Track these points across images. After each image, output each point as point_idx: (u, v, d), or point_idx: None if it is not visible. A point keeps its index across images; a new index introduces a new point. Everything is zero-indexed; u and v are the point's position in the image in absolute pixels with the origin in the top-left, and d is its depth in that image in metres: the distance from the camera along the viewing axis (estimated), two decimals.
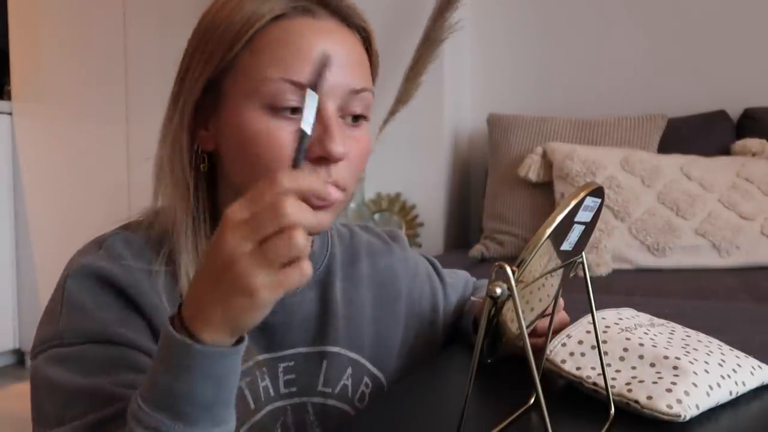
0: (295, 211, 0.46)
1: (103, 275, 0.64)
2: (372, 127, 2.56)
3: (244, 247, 0.46)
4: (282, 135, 0.62)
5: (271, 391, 0.72)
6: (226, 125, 0.66)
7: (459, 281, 0.96)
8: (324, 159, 0.63)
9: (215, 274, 0.47)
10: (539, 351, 0.66)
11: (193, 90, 0.67)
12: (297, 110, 0.63)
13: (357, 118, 0.67)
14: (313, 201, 0.62)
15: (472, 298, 0.91)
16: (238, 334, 0.50)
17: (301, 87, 0.62)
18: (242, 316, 0.48)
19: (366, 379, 0.78)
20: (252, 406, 0.70)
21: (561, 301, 0.80)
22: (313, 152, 0.63)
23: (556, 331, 0.72)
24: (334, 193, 0.64)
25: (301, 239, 0.46)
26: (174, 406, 0.49)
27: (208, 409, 0.50)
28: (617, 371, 0.65)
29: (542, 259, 0.51)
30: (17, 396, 2.48)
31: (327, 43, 0.64)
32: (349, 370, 0.76)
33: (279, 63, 0.63)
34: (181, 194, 0.67)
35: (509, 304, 0.51)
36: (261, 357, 0.72)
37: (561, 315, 0.79)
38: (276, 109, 0.62)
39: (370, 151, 0.70)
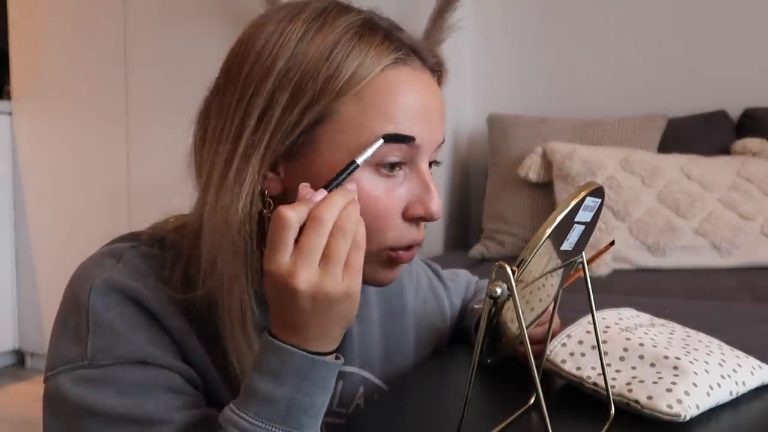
0: (327, 211, 0.53)
1: (129, 293, 0.60)
2: None
3: (313, 271, 0.52)
4: (382, 194, 0.60)
5: None
6: (312, 175, 0.59)
7: (461, 283, 0.95)
8: (422, 218, 0.63)
9: (308, 311, 0.53)
10: (539, 352, 0.66)
11: (282, 138, 0.59)
12: (395, 166, 0.61)
13: (431, 164, 0.66)
14: (404, 257, 0.64)
15: (476, 307, 0.90)
16: (341, 335, 0.56)
17: (408, 146, 0.60)
18: (350, 316, 0.55)
19: (377, 397, 0.77)
20: None
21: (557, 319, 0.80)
22: (415, 212, 0.62)
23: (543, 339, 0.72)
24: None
25: (347, 227, 0.54)
26: (289, 416, 0.53)
27: (316, 418, 0.55)
28: (617, 371, 0.65)
29: (542, 259, 0.51)
30: (17, 396, 2.48)
31: (428, 100, 0.62)
32: (362, 390, 0.75)
33: (387, 118, 0.59)
34: (235, 246, 0.60)
35: (509, 304, 0.51)
36: None
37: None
38: (382, 169, 0.60)
39: None
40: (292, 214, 0.52)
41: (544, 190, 2.16)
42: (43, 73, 2.80)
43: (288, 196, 0.61)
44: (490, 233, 2.24)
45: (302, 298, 0.52)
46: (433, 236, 2.43)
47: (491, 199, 2.29)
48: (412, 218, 0.62)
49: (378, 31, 0.61)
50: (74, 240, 2.72)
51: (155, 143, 2.53)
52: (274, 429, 0.53)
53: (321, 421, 0.56)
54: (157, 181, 2.60)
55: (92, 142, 2.71)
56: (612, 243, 0.78)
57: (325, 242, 0.52)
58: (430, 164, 0.65)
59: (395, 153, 0.60)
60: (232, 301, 0.60)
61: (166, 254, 0.64)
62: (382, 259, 0.63)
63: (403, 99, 0.60)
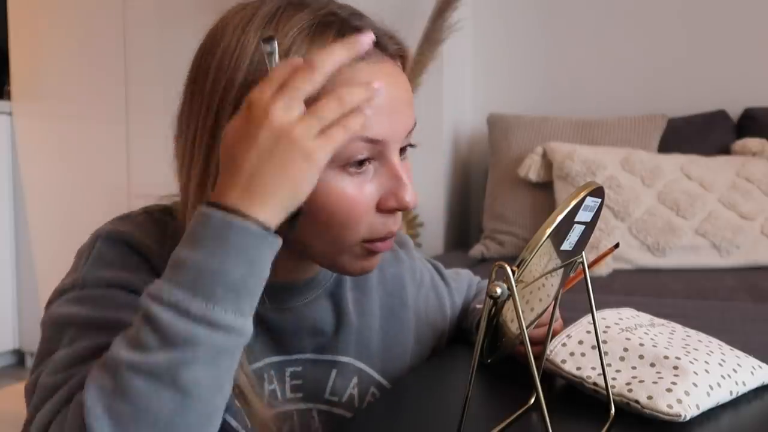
0: (330, 63, 0.50)
1: (136, 243, 0.63)
2: None
3: (291, 112, 0.49)
4: (353, 190, 0.60)
5: (278, 394, 0.71)
6: None
7: (463, 283, 0.95)
8: (397, 209, 0.63)
9: (265, 151, 0.49)
10: (539, 352, 0.66)
11: (213, 118, 0.63)
12: (363, 163, 0.61)
13: (403, 149, 0.66)
14: (381, 247, 0.63)
15: (477, 306, 0.90)
16: (292, 208, 0.51)
17: (374, 143, 0.60)
18: (303, 183, 0.50)
19: (373, 389, 0.77)
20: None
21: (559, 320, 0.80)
22: (388, 204, 0.62)
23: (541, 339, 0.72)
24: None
25: (348, 95, 0.51)
26: (198, 283, 0.48)
27: (234, 291, 0.49)
28: (617, 371, 0.65)
29: (542, 259, 0.51)
30: (17, 396, 2.48)
31: (392, 92, 0.61)
32: (356, 380, 0.76)
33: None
34: None
35: (509, 304, 0.51)
36: (269, 360, 0.71)
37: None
38: (350, 168, 0.60)
39: None
40: (298, 60, 0.52)
41: (544, 190, 2.16)
42: (43, 73, 2.80)
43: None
44: (490, 233, 2.24)
45: (267, 131, 0.49)
46: (433, 236, 2.43)
47: (491, 199, 2.29)
48: (386, 210, 0.62)
49: (329, 30, 0.60)
50: (74, 240, 2.72)
51: (155, 143, 2.53)
52: (180, 295, 0.48)
53: (251, 306, 0.51)
54: (157, 181, 2.60)
55: (92, 143, 2.71)
56: (617, 245, 0.78)
57: (313, 87, 0.50)
58: (405, 149, 0.66)
59: (361, 151, 0.60)
60: None
61: (176, 224, 0.65)
62: (359, 251, 0.63)
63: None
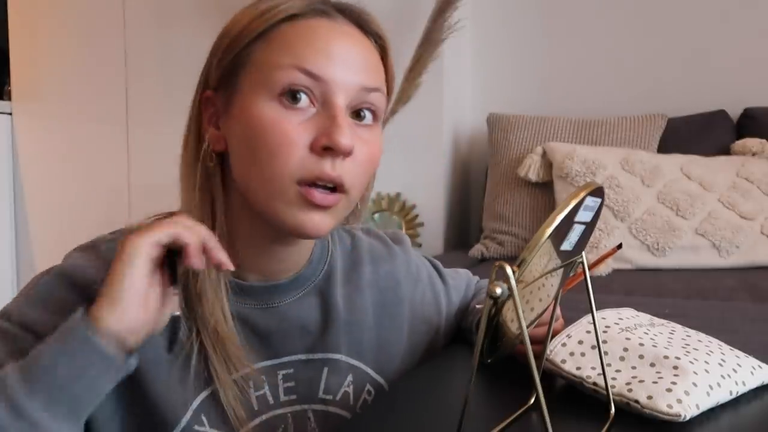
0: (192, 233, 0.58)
1: (82, 284, 0.64)
2: None
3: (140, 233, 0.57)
4: (288, 124, 0.62)
5: (270, 398, 0.71)
6: (235, 119, 0.66)
7: (461, 282, 0.95)
8: (330, 150, 0.62)
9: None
10: (539, 351, 0.66)
11: (206, 86, 0.69)
12: (306, 93, 0.63)
13: (366, 117, 0.67)
14: (316, 196, 0.63)
15: (477, 306, 0.90)
16: (120, 308, 0.55)
17: (312, 77, 0.62)
18: (121, 276, 0.55)
19: (368, 386, 0.77)
20: (251, 414, 0.69)
21: (560, 317, 0.80)
22: (320, 142, 0.62)
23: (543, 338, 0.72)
24: (339, 182, 0.64)
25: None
26: (29, 366, 0.53)
27: (54, 388, 0.52)
28: (617, 371, 0.65)
29: (542, 259, 0.51)
30: None
31: (341, 42, 0.65)
32: (350, 377, 0.76)
33: (292, 52, 0.63)
34: (192, 196, 0.68)
35: (509, 304, 0.50)
36: (259, 365, 0.71)
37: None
38: (284, 95, 0.63)
39: (379, 157, 0.69)
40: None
41: (544, 190, 2.16)
42: (43, 73, 2.80)
43: (229, 150, 0.67)
44: (490, 233, 2.24)
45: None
46: (433, 236, 2.43)
47: (491, 199, 2.29)
48: (319, 148, 0.62)
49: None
50: (74, 240, 2.72)
51: (155, 143, 2.53)
52: (14, 375, 0.53)
53: (67, 415, 0.54)
54: (157, 181, 2.60)
55: (92, 142, 2.71)
56: (619, 246, 0.78)
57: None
58: (364, 116, 0.66)
59: (296, 80, 0.62)
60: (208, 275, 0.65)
61: None
62: (294, 196, 0.63)
63: (312, 40, 0.64)
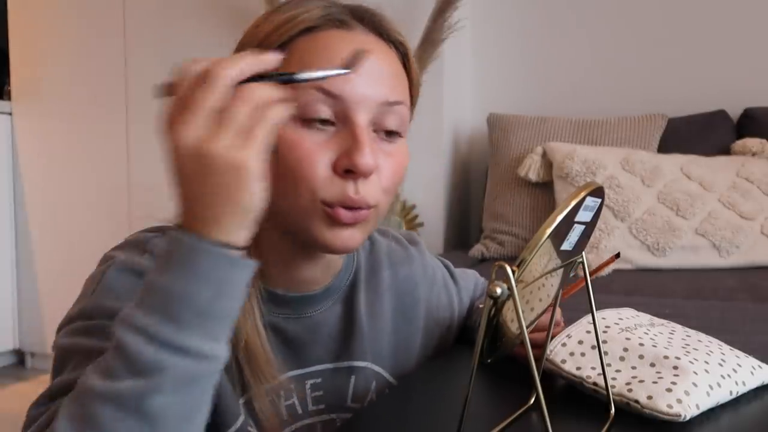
0: (229, 74, 0.47)
1: (142, 269, 0.62)
2: None
3: (196, 130, 0.46)
4: (310, 144, 0.61)
5: (298, 408, 0.71)
6: None
7: (470, 282, 0.95)
8: (351, 172, 0.61)
9: (191, 176, 0.47)
10: (539, 355, 0.66)
11: None
12: (327, 122, 0.61)
13: (391, 134, 0.64)
14: (342, 215, 0.61)
15: (481, 306, 0.91)
16: (249, 217, 0.48)
17: (331, 96, 0.60)
18: (242, 195, 0.47)
19: (387, 391, 0.77)
20: (281, 424, 0.69)
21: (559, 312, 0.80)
22: (341, 164, 0.61)
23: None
24: (363, 205, 0.62)
25: (249, 92, 0.47)
26: (166, 307, 0.46)
27: (202, 316, 0.47)
28: (617, 371, 0.65)
29: (542, 259, 0.51)
30: (17, 396, 2.48)
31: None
32: (374, 384, 0.76)
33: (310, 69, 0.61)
34: None
35: (509, 304, 0.50)
36: (288, 374, 0.70)
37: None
38: (306, 120, 0.61)
39: (405, 166, 0.67)
40: (187, 66, 0.48)
41: (544, 190, 2.16)
42: (43, 73, 2.80)
43: None
44: (490, 233, 2.24)
45: (182, 157, 0.46)
46: (433, 236, 2.43)
47: (491, 199, 2.29)
48: (341, 170, 0.61)
49: (315, 3, 0.64)
50: (74, 240, 2.73)
51: (155, 143, 2.53)
52: (149, 320, 0.46)
53: (223, 330, 0.49)
54: (157, 181, 2.60)
55: (92, 142, 2.71)
56: (617, 255, 0.78)
57: (215, 99, 0.46)
58: (391, 134, 0.64)
59: (320, 107, 0.61)
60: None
61: None
62: (320, 215, 0.62)
63: (330, 56, 0.62)
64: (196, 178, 0.47)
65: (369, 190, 0.62)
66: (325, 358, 0.73)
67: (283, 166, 0.61)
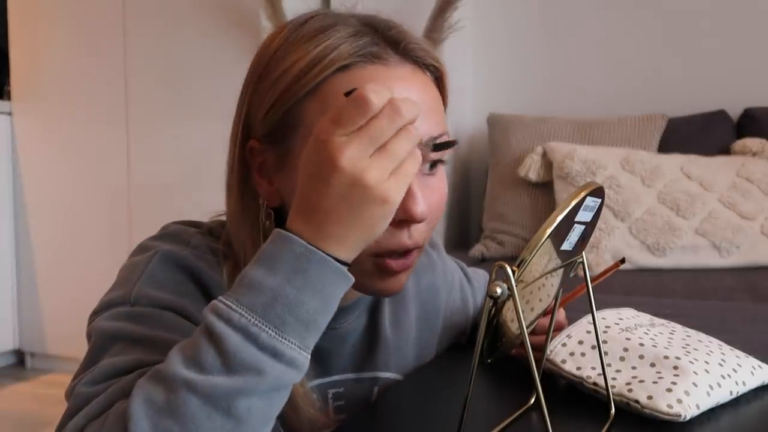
0: (407, 107, 0.48)
1: (192, 268, 0.61)
2: None
3: (363, 157, 0.47)
4: None
5: (321, 416, 0.70)
6: (294, 181, 0.55)
7: (482, 282, 0.95)
8: (406, 221, 0.59)
9: (339, 196, 0.47)
10: (539, 349, 0.66)
11: (249, 131, 0.64)
12: None
13: (434, 165, 0.62)
14: (393, 265, 0.60)
15: None
16: (366, 245, 0.50)
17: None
18: (378, 225, 0.48)
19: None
20: None
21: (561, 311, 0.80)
22: (396, 215, 0.56)
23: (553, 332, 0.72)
24: (415, 248, 0.61)
25: (414, 131, 0.49)
26: (271, 310, 0.46)
27: (304, 324, 0.47)
28: (617, 371, 0.65)
29: (542, 259, 0.51)
30: (17, 396, 2.48)
31: (400, 91, 0.57)
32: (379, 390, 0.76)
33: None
34: (250, 238, 0.63)
35: (509, 304, 0.50)
36: (311, 383, 0.70)
37: (559, 315, 0.79)
38: None
39: (446, 196, 0.66)
40: (374, 97, 0.47)
41: (544, 190, 2.16)
42: (43, 73, 2.80)
43: (285, 208, 0.62)
44: (490, 233, 2.24)
45: (340, 178, 0.47)
46: (433, 236, 2.43)
47: (491, 199, 2.29)
48: (395, 221, 0.57)
49: (345, 31, 0.60)
50: (74, 240, 2.72)
51: (155, 143, 2.53)
52: (251, 319, 0.46)
53: (313, 342, 0.49)
54: (157, 181, 2.61)
55: (92, 143, 2.71)
56: (622, 261, 0.77)
57: (389, 135, 0.47)
58: (435, 163, 0.62)
59: None
60: None
61: (224, 248, 0.65)
62: (370, 268, 0.60)
63: None
64: (342, 198, 0.47)
65: (420, 231, 0.61)
66: (348, 367, 0.73)
67: None
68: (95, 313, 0.60)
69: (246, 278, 0.48)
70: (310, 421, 0.66)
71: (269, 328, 0.46)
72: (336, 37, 0.60)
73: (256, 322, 0.46)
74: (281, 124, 0.61)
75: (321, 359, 0.70)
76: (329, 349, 0.71)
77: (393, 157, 0.48)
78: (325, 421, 0.70)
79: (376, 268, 0.60)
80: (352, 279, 0.49)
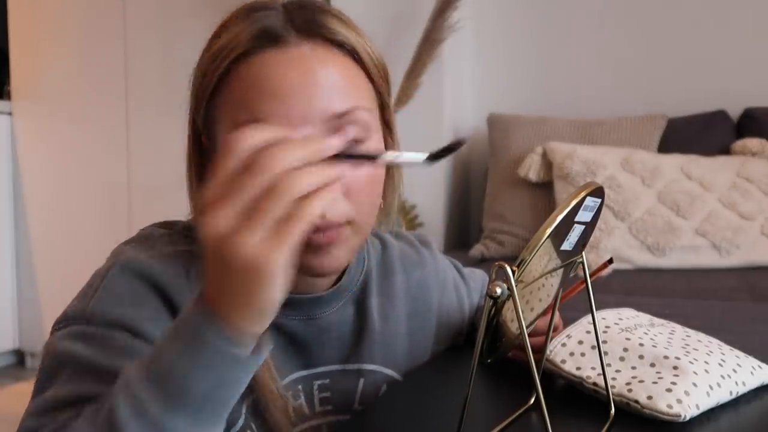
0: (272, 157, 0.41)
1: (150, 275, 0.61)
2: None
3: (227, 221, 0.42)
4: None
5: (306, 409, 0.71)
6: None
7: (478, 282, 0.95)
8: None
9: (216, 265, 0.43)
10: (539, 351, 0.66)
11: (191, 128, 0.67)
12: None
13: (353, 145, 0.61)
14: (313, 238, 0.60)
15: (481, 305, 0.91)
16: (264, 318, 0.45)
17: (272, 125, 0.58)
18: (263, 297, 0.43)
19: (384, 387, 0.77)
20: (287, 425, 0.69)
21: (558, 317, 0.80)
22: None
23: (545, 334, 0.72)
24: (332, 225, 0.60)
25: (289, 184, 0.41)
26: (163, 382, 0.45)
27: (198, 401, 0.45)
28: (617, 371, 0.65)
29: (542, 259, 0.51)
30: (17, 396, 2.48)
31: (296, 75, 0.59)
32: (384, 387, 0.75)
33: (246, 107, 0.59)
34: None
35: (509, 304, 0.51)
36: (296, 375, 0.70)
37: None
38: None
39: (377, 171, 0.65)
40: (238, 144, 0.43)
41: (544, 190, 2.16)
42: (43, 73, 2.80)
43: None
44: (490, 233, 2.24)
45: (208, 245, 0.43)
46: (434, 236, 2.43)
47: (491, 199, 2.29)
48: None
49: (252, 17, 0.62)
50: (74, 240, 2.73)
51: (155, 143, 2.53)
52: (146, 392, 0.45)
53: (216, 415, 0.47)
54: (157, 181, 2.60)
55: (92, 142, 2.71)
56: (610, 261, 0.78)
57: (254, 192, 0.42)
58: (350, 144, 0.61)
59: None
60: None
61: (193, 248, 0.65)
62: (300, 245, 0.60)
63: (263, 85, 0.59)
64: (216, 267, 0.43)
65: (336, 211, 0.60)
66: (333, 359, 0.73)
67: None
68: (57, 324, 0.61)
69: (155, 343, 0.47)
70: (286, 415, 0.66)
71: (158, 404, 0.45)
72: (241, 26, 0.62)
73: (147, 395, 0.45)
74: (207, 119, 0.64)
75: (303, 351, 0.71)
76: (313, 340, 0.71)
77: (265, 218, 0.41)
78: (306, 414, 0.70)
79: (304, 245, 0.58)
80: (247, 358, 0.46)
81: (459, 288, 0.89)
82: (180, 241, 0.66)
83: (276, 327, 0.68)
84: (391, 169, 0.73)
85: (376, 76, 0.66)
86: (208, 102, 0.63)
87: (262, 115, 0.58)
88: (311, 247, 0.60)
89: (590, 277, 0.76)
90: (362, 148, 0.62)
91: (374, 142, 0.64)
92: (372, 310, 0.76)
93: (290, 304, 0.69)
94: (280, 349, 0.68)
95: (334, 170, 0.44)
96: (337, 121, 0.60)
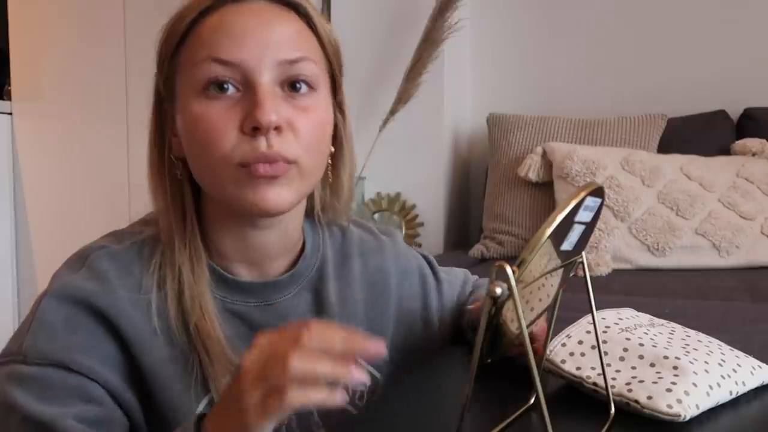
0: (298, 371, 0.48)
1: (81, 297, 0.64)
2: (372, 127, 2.53)
3: (253, 390, 0.49)
4: (215, 113, 0.64)
5: None
6: (180, 122, 0.67)
7: (457, 279, 0.95)
8: (258, 129, 0.63)
9: (226, 404, 0.52)
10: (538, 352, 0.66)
11: (159, 96, 0.70)
12: (230, 89, 0.64)
13: (300, 88, 0.66)
14: (259, 169, 0.63)
15: (469, 307, 0.90)
16: None
17: (228, 64, 0.64)
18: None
19: (379, 380, 0.78)
20: None
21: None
22: (246, 124, 0.63)
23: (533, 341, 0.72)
24: (279, 158, 0.64)
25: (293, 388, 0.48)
26: None
27: None
28: (617, 371, 0.65)
29: (542, 259, 0.51)
30: None
31: (252, 22, 0.65)
32: None
33: (206, 47, 0.65)
34: (165, 205, 0.69)
35: (509, 304, 0.50)
36: None
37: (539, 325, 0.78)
38: (208, 90, 0.64)
39: (326, 121, 0.69)
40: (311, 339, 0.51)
41: (544, 190, 2.16)
42: (43, 73, 2.80)
43: (187, 159, 0.68)
44: (490, 233, 2.24)
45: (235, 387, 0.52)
46: (433, 236, 2.43)
47: (491, 199, 2.29)
48: (248, 130, 0.63)
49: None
50: (74, 240, 2.71)
51: None
52: None
53: None
54: None
55: (92, 142, 2.71)
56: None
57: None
58: (298, 87, 0.66)
59: (215, 74, 0.64)
60: (171, 265, 0.67)
61: (143, 248, 0.69)
62: (241, 178, 0.64)
63: (224, 29, 0.65)
64: (228, 407, 0.52)
65: (284, 145, 0.64)
66: None
67: (196, 141, 0.64)
68: (1, 357, 0.63)
69: None
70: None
71: None
72: None
73: None
74: (168, 74, 0.68)
75: None
76: (269, 325, 0.71)
77: (264, 383, 0.50)
78: None
79: (245, 177, 0.64)
80: None
81: (425, 276, 0.90)
82: (116, 250, 0.70)
83: (234, 313, 0.71)
84: (342, 144, 0.75)
85: (328, 47, 0.71)
86: (170, 61, 0.68)
87: (221, 54, 0.64)
88: (255, 180, 0.64)
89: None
90: (311, 97, 0.67)
91: (319, 96, 0.68)
92: (330, 295, 0.77)
93: (246, 290, 0.72)
94: (240, 337, 0.69)
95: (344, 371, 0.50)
96: (288, 67, 0.65)
